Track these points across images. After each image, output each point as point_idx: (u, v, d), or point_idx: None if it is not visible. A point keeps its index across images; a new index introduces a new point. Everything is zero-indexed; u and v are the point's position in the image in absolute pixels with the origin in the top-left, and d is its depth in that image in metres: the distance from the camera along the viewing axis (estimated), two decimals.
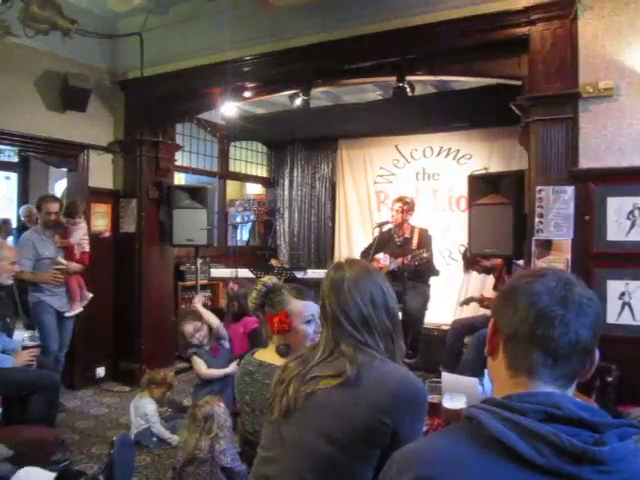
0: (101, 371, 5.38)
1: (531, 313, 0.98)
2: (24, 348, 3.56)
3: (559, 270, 1.09)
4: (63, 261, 4.58)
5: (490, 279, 5.94)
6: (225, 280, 6.47)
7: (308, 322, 2.07)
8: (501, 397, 0.99)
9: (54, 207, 4.59)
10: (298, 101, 4.69)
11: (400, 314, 4.48)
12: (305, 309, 2.07)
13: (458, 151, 6.77)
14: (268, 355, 2.08)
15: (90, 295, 4.89)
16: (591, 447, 0.87)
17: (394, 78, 4.29)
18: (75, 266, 4.67)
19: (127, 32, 5.19)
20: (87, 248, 4.77)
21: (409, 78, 4.34)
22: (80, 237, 4.71)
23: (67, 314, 4.64)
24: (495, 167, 6.37)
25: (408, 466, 0.96)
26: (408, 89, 4.25)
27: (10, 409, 3.26)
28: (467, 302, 4.99)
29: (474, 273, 6.29)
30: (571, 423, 0.91)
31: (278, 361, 2.02)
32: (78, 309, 4.75)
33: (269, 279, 2.17)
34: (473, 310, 5.87)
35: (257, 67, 4.80)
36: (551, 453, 0.87)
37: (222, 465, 2.63)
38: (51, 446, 2.65)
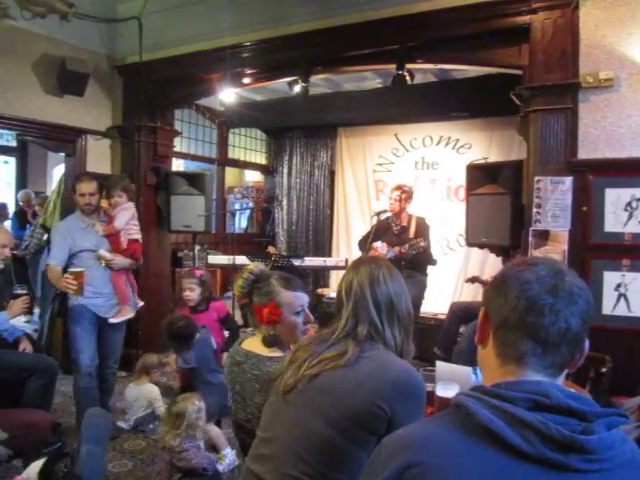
0: None
1: (521, 301, 0.98)
2: (15, 297, 3.36)
3: (551, 260, 1.09)
4: (106, 254, 3.71)
5: (490, 263, 5.97)
6: (223, 267, 6.48)
7: (297, 313, 2.04)
8: (490, 385, 0.99)
9: (87, 187, 3.73)
10: (297, 88, 4.66)
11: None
12: (295, 300, 2.04)
13: (457, 140, 6.74)
14: (255, 345, 2.07)
15: (140, 303, 4.06)
16: (579, 436, 0.88)
17: (393, 66, 4.26)
18: (121, 260, 3.78)
19: (126, 16, 5.15)
20: (137, 236, 3.90)
21: (409, 66, 4.31)
22: (126, 220, 3.82)
23: (111, 320, 3.74)
24: (495, 157, 6.35)
25: (397, 452, 0.97)
26: (407, 77, 4.22)
27: (6, 393, 3.26)
28: (472, 280, 5.03)
29: (474, 255, 6.33)
30: (560, 412, 0.92)
31: (265, 351, 2.02)
32: (128, 314, 3.85)
33: (256, 266, 2.14)
34: (472, 295, 5.90)
35: (256, 53, 4.77)
36: (539, 441, 0.88)
37: (177, 465, 2.64)
38: (45, 430, 2.65)
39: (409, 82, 4.28)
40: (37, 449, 2.79)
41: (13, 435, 2.37)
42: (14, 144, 8.63)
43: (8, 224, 7.26)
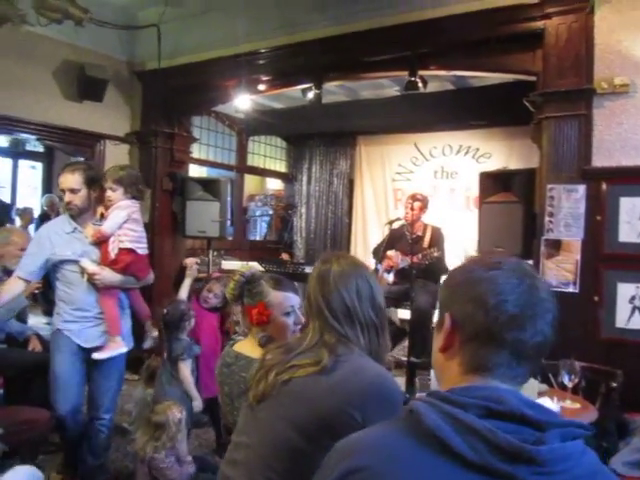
0: None
1: (500, 315, 0.92)
2: None
3: (511, 259, 1.03)
4: (88, 265, 2.86)
5: None
6: None
7: (287, 314, 2.02)
8: (445, 390, 0.95)
9: (66, 181, 2.88)
10: (310, 95, 4.66)
11: (409, 312, 4.48)
12: (284, 300, 2.03)
13: (477, 150, 6.67)
14: (247, 347, 2.05)
15: (155, 333, 3.33)
16: (527, 446, 0.83)
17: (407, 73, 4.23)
18: (108, 276, 2.87)
19: (145, 24, 5.24)
20: (132, 244, 2.92)
21: (422, 73, 4.27)
22: (118, 223, 2.89)
23: (95, 355, 2.87)
24: (515, 166, 6.23)
25: (345, 456, 0.94)
26: (420, 84, 4.17)
27: (11, 390, 3.30)
28: None
29: None
30: (513, 419, 0.87)
31: (256, 353, 1.99)
32: (117, 349, 2.93)
33: (247, 269, 2.13)
34: None
35: (271, 60, 4.79)
36: (485, 450, 0.83)
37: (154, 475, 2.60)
38: (43, 427, 2.67)
39: (422, 89, 4.23)
40: (36, 447, 2.80)
41: (10, 431, 2.39)
42: (41, 149, 8.82)
43: (32, 228, 7.42)
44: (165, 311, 3.35)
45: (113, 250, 2.89)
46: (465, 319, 0.96)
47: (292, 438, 1.39)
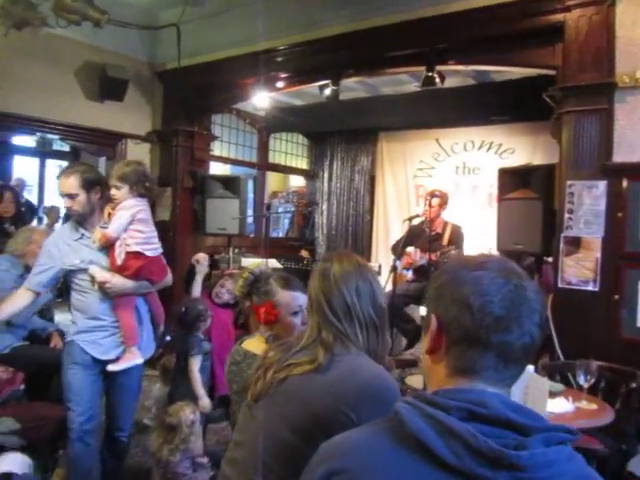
0: None
1: (486, 317, 0.91)
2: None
3: (497, 259, 1.01)
4: (97, 272, 2.68)
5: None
6: None
7: (295, 313, 2.01)
8: (430, 392, 0.94)
9: (63, 185, 2.70)
10: (327, 91, 4.65)
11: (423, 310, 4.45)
12: (292, 300, 2.02)
13: (500, 145, 6.57)
14: (255, 345, 2.06)
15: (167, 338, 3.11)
16: (508, 451, 0.81)
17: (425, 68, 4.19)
18: (119, 282, 2.69)
19: (166, 24, 5.29)
20: (139, 247, 2.72)
21: (441, 68, 4.23)
22: (123, 225, 2.68)
23: (110, 367, 2.70)
24: (539, 162, 6.10)
25: (327, 458, 0.94)
26: (437, 79, 4.13)
27: (32, 387, 3.38)
28: None
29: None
30: (497, 423, 0.85)
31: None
32: (134, 360, 2.75)
33: (256, 267, 2.13)
34: None
35: (289, 57, 4.80)
36: (466, 454, 0.82)
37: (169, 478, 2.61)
38: (62, 423, 2.71)
39: (439, 84, 4.18)
40: (53, 443, 2.85)
41: (25, 427, 2.44)
42: (67, 149, 8.97)
43: (59, 226, 7.55)
44: (183, 309, 3.35)
45: (120, 255, 2.68)
46: (451, 321, 0.94)
47: (288, 437, 1.39)
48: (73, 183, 2.67)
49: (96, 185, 2.72)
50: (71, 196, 2.68)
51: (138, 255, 2.70)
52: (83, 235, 2.74)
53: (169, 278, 2.96)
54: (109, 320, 2.72)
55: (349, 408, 1.35)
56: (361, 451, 0.91)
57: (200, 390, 3.18)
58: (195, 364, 3.19)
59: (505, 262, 0.99)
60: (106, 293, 2.68)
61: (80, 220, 2.74)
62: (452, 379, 0.95)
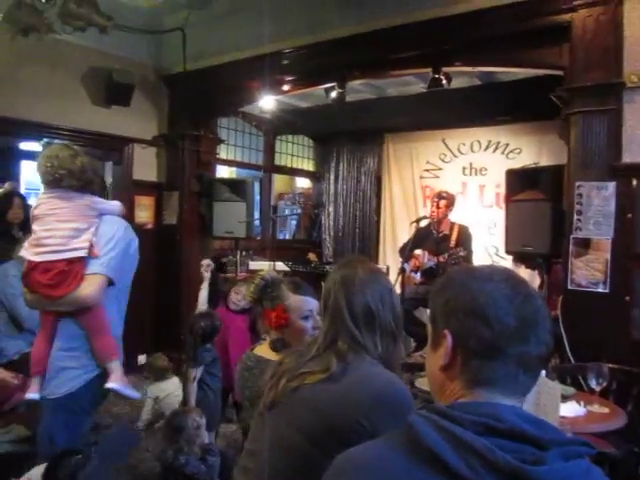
0: (142, 358, 5.52)
1: (505, 328, 0.90)
2: None
3: (500, 269, 1.01)
4: None
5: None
6: None
7: (306, 318, 2.01)
8: (445, 405, 0.93)
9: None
10: (333, 94, 4.64)
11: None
12: (303, 304, 2.02)
13: (507, 145, 6.52)
14: (266, 350, 2.06)
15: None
16: (526, 466, 0.80)
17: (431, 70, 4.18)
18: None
19: (171, 28, 5.30)
20: (23, 251, 2.29)
21: (447, 69, 4.21)
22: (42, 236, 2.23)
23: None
24: (546, 162, 6.06)
25: (342, 471, 0.94)
26: (444, 81, 4.12)
27: None
28: None
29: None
30: (513, 437, 0.84)
31: (276, 357, 2.00)
32: (32, 394, 2.33)
33: (268, 272, 2.14)
34: None
35: (295, 60, 4.80)
36: (483, 469, 0.81)
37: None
38: None
39: (445, 86, 4.17)
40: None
41: (36, 434, 2.44)
42: None
43: None
44: (202, 324, 3.36)
45: (39, 272, 2.21)
46: (469, 334, 0.93)
47: (301, 446, 1.38)
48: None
49: None
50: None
51: (29, 262, 2.24)
52: None
53: (84, 294, 2.21)
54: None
55: (363, 416, 1.33)
56: (377, 464, 0.90)
57: (192, 401, 3.22)
58: (192, 374, 3.24)
59: (509, 272, 1.00)
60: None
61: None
62: (470, 391, 0.94)
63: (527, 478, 0.79)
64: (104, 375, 2.27)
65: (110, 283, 2.27)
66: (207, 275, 3.80)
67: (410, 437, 0.89)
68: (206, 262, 3.83)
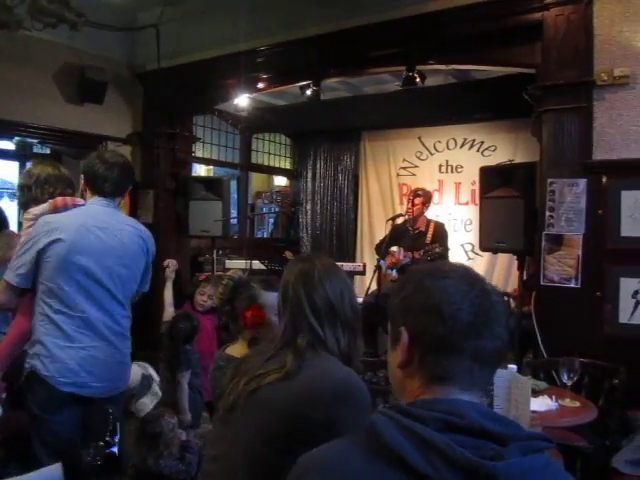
0: None
1: (458, 324, 0.92)
2: None
3: (458, 265, 1.02)
4: None
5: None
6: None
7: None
8: (406, 403, 0.93)
9: None
10: (308, 92, 4.64)
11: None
12: (276, 300, 2.02)
13: (482, 143, 6.60)
14: (238, 350, 2.05)
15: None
16: (484, 461, 0.80)
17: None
18: None
19: (145, 25, 5.23)
20: None
21: (421, 67, 4.23)
22: None
23: None
24: (520, 159, 6.14)
25: (305, 472, 0.93)
26: (418, 79, 4.13)
27: (16, 395, 3.31)
28: None
29: (500, 260, 6.13)
30: (473, 433, 0.85)
31: None
32: None
33: (235, 273, 2.13)
34: None
35: (270, 58, 4.77)
36: (444, 466, 0.81)
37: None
38: None
39: (419, 84, 4.19)
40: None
41: (7, 437, 2.40)
42: (48, 152, 8.86)
43: None
44: (182, 326, 3.33)
45: None
46: (423, 331, 0.95)
47: (262, 450, 1.35)
48: None
49: None
50: None
51: None
52: None
53: None
54: None
55: (321, 411, 1.32)
56: (337, 465, 0.89)
57: (186, 405, 3.18)
58: (184, 379, 3.19)
59: (466, 268, 1.01)
60: None
61: None
62: (427, 388, 0.95)
63: (486, 473, 0.80)
64: None
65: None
66: (172, 276, 3.75)
67: (372, 436, 0.89)
68: (172, 263, 3.76)
